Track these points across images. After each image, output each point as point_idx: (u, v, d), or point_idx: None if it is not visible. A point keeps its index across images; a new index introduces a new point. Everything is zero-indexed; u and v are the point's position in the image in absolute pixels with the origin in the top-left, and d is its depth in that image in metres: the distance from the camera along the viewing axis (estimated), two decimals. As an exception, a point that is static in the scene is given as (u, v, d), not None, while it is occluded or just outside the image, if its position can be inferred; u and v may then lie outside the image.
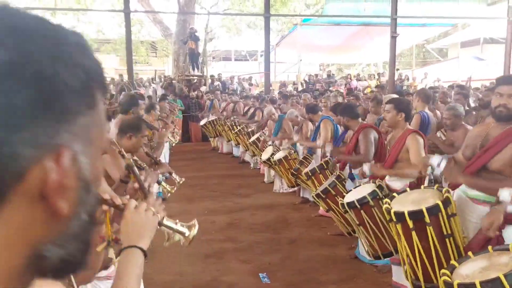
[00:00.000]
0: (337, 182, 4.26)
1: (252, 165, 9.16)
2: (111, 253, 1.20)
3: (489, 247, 2.06)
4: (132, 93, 6.55)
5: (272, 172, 7.63)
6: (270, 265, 4.18)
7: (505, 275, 1.70)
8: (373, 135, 4.20)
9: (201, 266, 4.19)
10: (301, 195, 6.44)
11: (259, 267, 4.14)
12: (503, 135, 2.47)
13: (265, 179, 7.85)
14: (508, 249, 1.94)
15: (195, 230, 1.24)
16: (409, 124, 3.62)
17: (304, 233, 5.12)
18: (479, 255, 2.06)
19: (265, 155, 6.87)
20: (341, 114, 4.41)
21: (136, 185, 1.80)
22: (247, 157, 9.51)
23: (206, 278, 3.91)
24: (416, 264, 2.58)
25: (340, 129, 5.23)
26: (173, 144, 6.26)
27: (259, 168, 8.71)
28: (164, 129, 4.10)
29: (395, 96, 5.37)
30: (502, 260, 1.89)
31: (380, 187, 3.42)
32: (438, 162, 2.67)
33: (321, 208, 5.74)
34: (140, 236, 1.13)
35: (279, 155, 6.35)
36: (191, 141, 12.95)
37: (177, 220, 1.25)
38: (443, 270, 2.04)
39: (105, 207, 1.20)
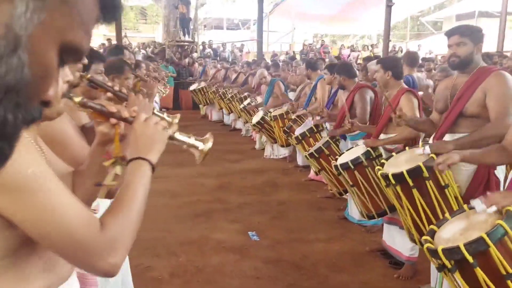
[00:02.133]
0: (331, 142, 4.21)
1: (243, 132, 9.11)
2: (118, 170, 1.13)
3: (465, 206, 2.04)
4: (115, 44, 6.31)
5: (264, 138, 7.60)
6: (259, 224, 4.19)
7: (488, 234, 1.66)
8: (370, 94, 4.13)
9: (189, 224, 4.18)
10: (298, 163, 6.42)
11: (248, 226, 4.14)
12: (471, 81, 2.58)
13: (256, 146, 7.81)
14: None
15: (209, 143, 1.16)
16: None
17: (294, 195, 5.12)
18: (456, 216, 2.03)
19: (255, 118, 6.80)
20: (337, 73, 4.30)
21: (108, 94, 1.66)
22: (239, 125, 9.43)
23: (194, 235, 3.90)
24: (422, 222, 2.57)
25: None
26: (163, 95, 6.13)
27: (251, 135, 8.66)
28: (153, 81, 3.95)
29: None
30: (480, 218, 1.86)
31: (373, 147, 3.38)
32: (422, 150, 2.64)
33: (311, 172, 5.73)
34: (149, 149, 1.08)
35: (278, 111, 6.30)
36: (181, 108, 12.78)
37: (191, 135, 1.18)
38: (424, 237, 2.00)
39: (113, 120, 1.12)
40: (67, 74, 1.06)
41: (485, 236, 1.66)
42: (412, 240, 2.81)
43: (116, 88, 1.69)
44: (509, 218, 1.69)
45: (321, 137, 4.85)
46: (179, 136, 1.16)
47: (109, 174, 1.14)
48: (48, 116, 1.06)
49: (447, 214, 2.09)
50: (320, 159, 4.22)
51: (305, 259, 3.47)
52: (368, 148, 3.41)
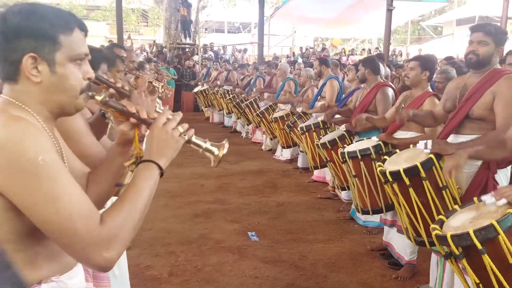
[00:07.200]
0: (347, 136, 4.08)
1: (243, 134, 9.13)
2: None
3: (475, 198, 2.05)
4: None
5: (267, 139, 7.64)
6: (258, 225, 4.19)
7: (498, 221, 1.68)
8: (391, 93, 3.99)
9: (188, 224, 4.18)
10: (298, 165, 6.43)
11: (247, 226, 4.15)
12: (482, 82, 2.49)
13: (263, 147, 7.83)
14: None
15: (225, 149, 1.18)
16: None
17: (293, 197, 5.13)
18: (465, 207, 2.05)
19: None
20: (364, 65, 4.06)
21: (111, 90, 1.68)
22: (239, 127, 9.48)
23: (193, 235, 3.91)
24: (417, 221, 2.56)
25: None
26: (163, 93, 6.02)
27: (251, 138, 8.69)
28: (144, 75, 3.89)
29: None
30: (490, 209, 1.88)
31: (385, 142, 3.34)
32: (424, 144, 2.58)
33: (314, 173, 5.69)
34: (161, 154, 1.09)
35: (279, 113, 6.42)
36: (183, 110, 12.81)
37: (207, 140, 1.19)
38: (432, 225, 2.01)
39: (133, 121, 1.13)
40: (88, 71, 1.08)
41: (495, 223, 1.67)
42: (408, 237, 2.80)
43: (119, 85, 1.71)
44: None
45: (326, 133, 4.75)
46: (196, 140, 1.17)
47: (127, 174, 1.15)
48: (67, 111, 1.07)
49: (456, 206, 2.10)
50: (332, 151, 4.08)
51: (304, 259, 3.48)
52: (380, 142, 3.34)
